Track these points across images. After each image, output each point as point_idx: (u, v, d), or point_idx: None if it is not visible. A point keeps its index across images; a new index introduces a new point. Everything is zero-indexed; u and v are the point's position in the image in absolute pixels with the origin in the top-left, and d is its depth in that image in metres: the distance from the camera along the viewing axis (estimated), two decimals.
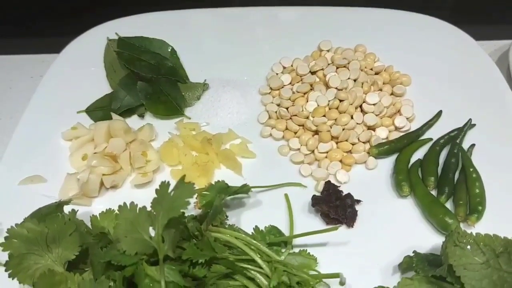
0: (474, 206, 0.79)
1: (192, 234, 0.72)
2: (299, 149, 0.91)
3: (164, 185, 0.67)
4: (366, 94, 0.93)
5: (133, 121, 0.96)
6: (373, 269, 0.75)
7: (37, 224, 0.68)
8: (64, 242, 0.68)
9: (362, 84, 0.95)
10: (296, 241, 0.78)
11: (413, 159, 0.88)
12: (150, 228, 0.65)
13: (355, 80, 0.96)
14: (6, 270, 0.66)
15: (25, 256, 0.67)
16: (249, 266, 0.71)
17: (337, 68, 0.98)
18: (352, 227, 0.81)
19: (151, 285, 0.63)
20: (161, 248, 0.64)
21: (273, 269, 0.69)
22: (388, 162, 0.89)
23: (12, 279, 0.67)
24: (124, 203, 0.67)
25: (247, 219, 0.81)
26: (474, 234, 0.67)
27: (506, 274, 0.64)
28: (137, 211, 0.66)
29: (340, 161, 0.88)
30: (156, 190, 0.67)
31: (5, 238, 0.66)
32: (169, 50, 1.04)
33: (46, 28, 1.17)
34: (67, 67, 1.04)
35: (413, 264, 0.71)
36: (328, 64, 0.99)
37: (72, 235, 0.68)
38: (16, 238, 0.67)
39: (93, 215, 0.78)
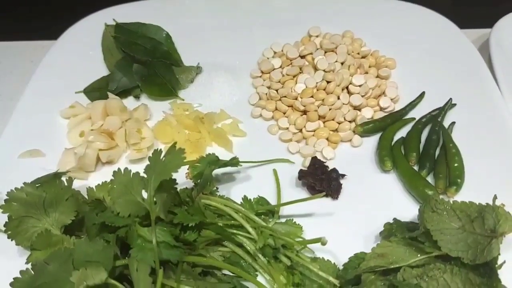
0: (454, 179, 0.83)
1: (184, 201, 0.76)
2: (287, 128, 0.95)
3: (157, 152, 0.71)
4: (352, 76, 0.97)
5: (129, 102, 1.00)
6: (356, 237, 0.79)
7: (36, 189, 0.72)
8: (61, 206, 0.72)
9: (349, 67, 0.99)
10: (283, 212, 0.82)
11: (397, 137, 0.92)
12: (143, 192, 0.69)
13: (342, 63, 1.00)
14: (5, 232, 0.70)
15: (23, 219, 0.71)
16: (238, 232, 0.75)
17: (325, 52, 1.02)
18: (337, 199, 0.85)
19: (143, 245, 0.67)
20: (153, 210, 0.67)
21: (259, 233, 0.73)
22: (372, 140, 0.93)
23: (11, 240, 0.70)
24: (119, 169, 0.71)
25: (237, 192, 0.84)
26: (451, 202, 0.71)
27: (479, 236, 0.67)
28: (131, 176, 0.70)
29: (327, 139, 0.92)
30: (149, 157, 0.71)
31: (5, 201, 0.70)
32: (164, 35, 1.09)
33: (45, 15, 1.21)
34: (66, 51, 1.08)
35: (393, 230, 0.75)
36: (317, 49, 1.03)
37: (69, 200, 0.72)
38: (15, 201, 0.70)
39: (89, 186, 0.82)
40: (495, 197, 0.70)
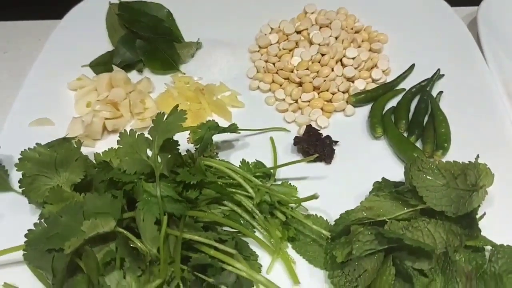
0: (440, 143, 0.88)
1: (186, 163, 0.81)
2: (284, 99, 1.00)
3: (160, 114, 0.76)
4: (346, 49, 1.02)
5: (132, 76, 1.04)
6: (347, 198, 0.83)
7: (47, 150, 0.77)
8: (71, 166, 0.77)
9: (343, 41, 1.04)
10: (279, 175, 0.87)
11: (387, 107, 0.97)
12: (148, 151, 0.74)
13: (336, 38, 1.04)
14: (20, 187, 0.75)
15: (36, 177, 0.76)
16: (236, 191, 0.79)
17: (320, 27, 1.06)
18: (330, 163, 0.89)
19: (149, 199, 0.72)
20: (157, 167, 0.72)
21: (257, 191, 0.78)
22: (365, 110, 0.98)
23: (25, 196, 0.76)
24: (125, 130, 0.76)
25: (236, 159, 0.89)
26: (437, 162, 0.76)
27: (462, 191, 0.72)
28: (136, 136, 0.75)
29: (321, 109, 0.97)
30: (153, 120, 0.76)
31: (19, 159, 0.75)
32: (166, 12, 1.13)
33: None
34: (71, 28, 1.13)
35: (381, 188, 0.79)
36: (312, 25, 1.08)
37: (78, 160, 0.77)
38: (28, 161, 0.75)
39: (96, 152, 0.87)
40: (477, 157, 0.75)
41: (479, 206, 0.71)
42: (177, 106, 0.75)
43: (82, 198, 0.74)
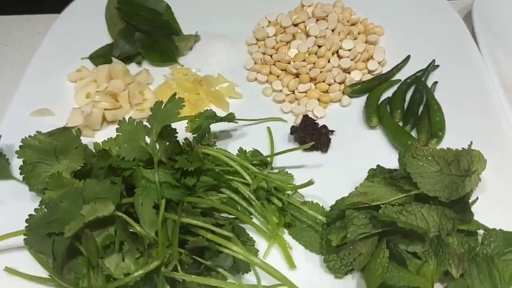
0: (435, 132, 0.89)
1: (184, 150, 0.82)
2: (281, 90, 1.01)
3: (158, 103, 0.77)
4: (342, 41, 1.03)
5: (132, 68, 1.06)
6: (343, 186, 0.82)
7: (48, 137, 0.78)
8: (71, 154, 0.78)
9: (339, 33, 1.05)
10: (275, 164, 0.88)
11: (383, 98, 0.98)
12: (146, 138, 0.75)
13: (332, 30, 1.06)
14: (20, 174, 0.76)
15: (36, 165, 0.77)
16: (234, 178, 0.81)
17: (317, 20, 1.08)
18: (326, 152, 0.91)
19: (147, 185, 0.73)
20: (155, 153, 0.74)
21: (253, 177, 0.79)
22: (360, 101, 0.99)
23: (26, 182, 0.77)
24: (123, 118, 0.77)
25: (233, 148, 0.89)
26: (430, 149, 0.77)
27: (455, 177, 0.73)
28: (135, 124, 0.76)
29: (318, 99, 0.98)
30: (151, 108, 0.77)
31: (20, 147, 0.76)
32: (164, 6, 1.14)
33: None
34: (71, 22, 1.14)
35: (376, 174, 0.81)
36: (309, 18, 1.09)
37: (78, 148, 0.78)
38: (29, 148, 0.77)
39: (96, 142, 0.88)
40: (471, 143, 0.76)
41: (472, 191, 0.73)
42: (175, 94, 0.77)
43: (81, 184, 0.75)
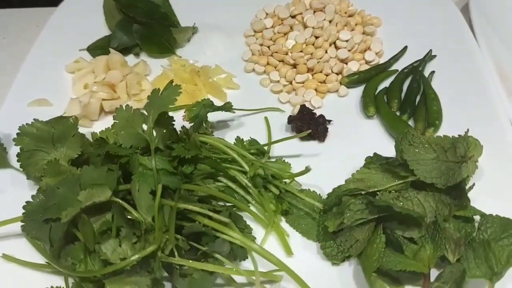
0: (432, 121, 0.89)
1: (181, 139, 0.82)
2: (278, 80, 1.01)
3: (155, 90, 0.77)
4: (339, 32, 1.04)
5: (130, 60, 1.06)
6: (340, 174, 0.82)
7: (45, 125, 0.78)
8: (68, 142, 0.78)
9: (336, 24, 1.05)
10: (273, 154, 0.88)
11: (380, 89, 0.98)
12: (144, 125, 0.75)
13: (330, 22, 1.06)
14: (18, 161, 0.77)
15: (34, 152, 0.77)
16: (231, 166, 0.81)
17: (314, 11, 1.08)
18: (323, 141, 0.91)
19: (144, 171, 0.73)
20: (152, 140, 0.74)
21: (251, 165, 0.79)
22: (358, 91, 0.99)
23: (23, 170, 0.77)
24: (121, 105, 0.77)
25: (231, 138, 0.89)
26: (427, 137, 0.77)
27: (452, 164, 0.73)
28: (132, 111, 0.76)
29: (315, 89, 0.99)
30: (148, 96, 0.77)
31: (17, 134, 0.77)
32: None
33: None
34: (69, 14, 1.14)
35: (373, 162, 0.80)
36: (307, 9, 1.09)
37: (75, 136, 0.78)
38: (26, 135, 0.77)
39: (93, 131, 0.88)
40: (467, 131, 0.76)
41: (468, 177, 0.73)
42: (171, 81, 0.77)
43: (79, 172, 0.75)
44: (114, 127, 0.76)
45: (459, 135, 0.76)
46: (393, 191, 0.74)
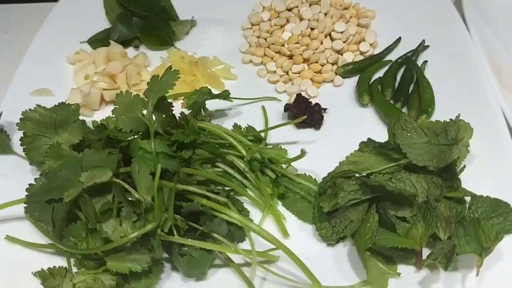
0: (425, 108, 0.92)
1: (180, 125, 0.84)
2: (275, 71, 1.04)
3: (155, 76, 0.79)
4: (334, 24, 1.06)
5: (129, 52, 1.08)
6: (335, 160, 0.83)
7: (47, 111, 0.80)
8: (70, 127, 0.80)
9: (332, 16, 1.08)
10: (270, 141, 0.90)
11: (374, 78, 1.01)
12: (143, 110, 0.77)
13: (325, 14, 1.08)
14: (21, 146, 0.79)
15: (36, 137, 0.79)
16: (228, 151, 0.83)
17: (310, 4, 1.10)
18: (319, 129, 0.93)
19: (144, 155, 0.75)
20: (151, 124, 0.76)
21: (248, 149, 0.81)
22: (353, 81, 1.01)
23: (26, 154, 0.79)
24: (121, 91, 0.79)
25: (228, 126, 0.91)
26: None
27: (443, 147, 0.75)
28: (131, 97, 0.78)
29: (311, 79, 1.01)
30: (148, 82, 0.79)
31: (20, 119, 0.79)
32: None
33: None
34: (70, 6, 1.17)
35: (366, 146, 0.82)
36: (302, 2, 1.12)
37: (77, 121, 0.81)
38: (29, 120, 0.79)
39: (94, 120, 0.90)
40: (458, 115, 0.79)
41: (459, 158, 0.75)
42: (170, 67, 0.79)
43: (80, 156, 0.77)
44: (114, 111, 0.78)
45: (450, 119, 0.78)
46: (386, 173, 0.76)
